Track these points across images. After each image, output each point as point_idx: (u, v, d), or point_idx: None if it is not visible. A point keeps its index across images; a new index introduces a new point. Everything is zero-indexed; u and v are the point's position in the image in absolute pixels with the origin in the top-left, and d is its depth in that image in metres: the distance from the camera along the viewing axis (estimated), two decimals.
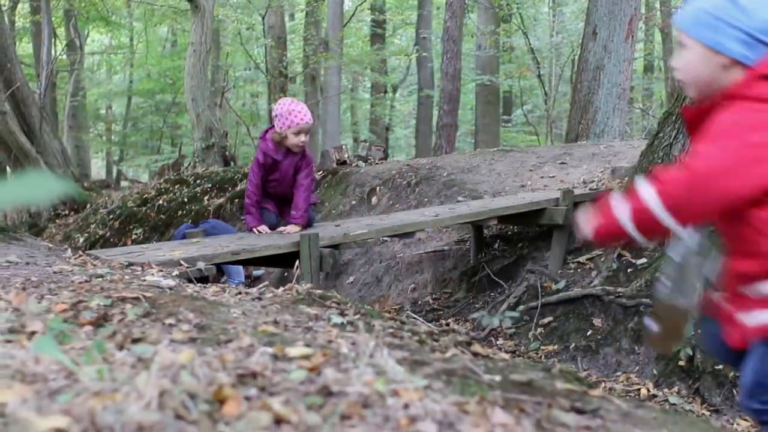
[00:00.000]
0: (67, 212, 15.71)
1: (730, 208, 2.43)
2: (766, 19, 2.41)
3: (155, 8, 22.26)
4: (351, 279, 8.35)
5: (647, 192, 2.44)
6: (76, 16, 22.66)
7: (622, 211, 2.54)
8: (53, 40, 18.09)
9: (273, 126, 6.53)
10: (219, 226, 8.52)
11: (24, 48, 26.45)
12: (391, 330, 3.44)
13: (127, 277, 4.09)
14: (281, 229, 6.44)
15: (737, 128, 2.37)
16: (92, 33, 29.66)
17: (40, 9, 18.95)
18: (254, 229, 6.35)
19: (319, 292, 4.00)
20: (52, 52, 18.20)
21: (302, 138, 6.40)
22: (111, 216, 12.81)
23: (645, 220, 2.48)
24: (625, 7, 11.93)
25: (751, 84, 2.42)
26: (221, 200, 11.02)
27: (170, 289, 3.79)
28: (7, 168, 22.05)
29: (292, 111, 6.39)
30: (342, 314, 3.63)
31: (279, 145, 6.45)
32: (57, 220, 15.43)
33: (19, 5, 23.59)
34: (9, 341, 2.15)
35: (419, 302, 7.57)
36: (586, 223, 2.70)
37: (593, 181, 8.16)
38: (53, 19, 17.97)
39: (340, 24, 22.10)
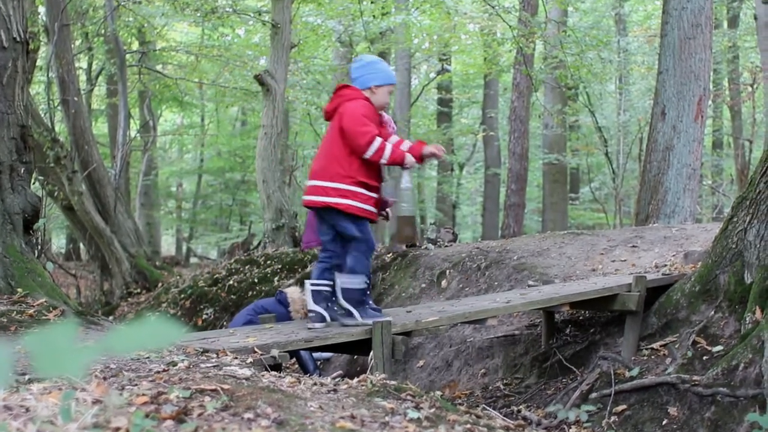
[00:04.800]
0: (139, 290, 15.89)
1: None
2: None
3: (227, 89, 22.77)
4: (421, 363, 8.32)
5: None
6: (150, 98, 23.28)
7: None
8: (128, 121, 18.60)
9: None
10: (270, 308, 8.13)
11: (99, 128, 27.15)
12: (468, 425, 3.44)
13: (203, 365, 4.15)
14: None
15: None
16: (165, 113, 30.41)
17: (117, 92, 19.54)
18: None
19: (393, 383, 4.01)
20: (128, 134, 18.69)
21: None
22: (182, 295, 12.94)
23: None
24: (693, 87, 11.88)
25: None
26: (291, 281, 11.10)
27: (246, 379, 3.84)
28: (81, 245, 22.53)
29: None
30: (417, 407, 3.64)
31: None
32: (129, 299, 15.59)
33: (96, 88, 24.31)
34: None
35: (490, 387, 7.50)
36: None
37: (665, 266, 8.05)
38: (128, 100, 18.50)
39: (408, 103, 22.41)
